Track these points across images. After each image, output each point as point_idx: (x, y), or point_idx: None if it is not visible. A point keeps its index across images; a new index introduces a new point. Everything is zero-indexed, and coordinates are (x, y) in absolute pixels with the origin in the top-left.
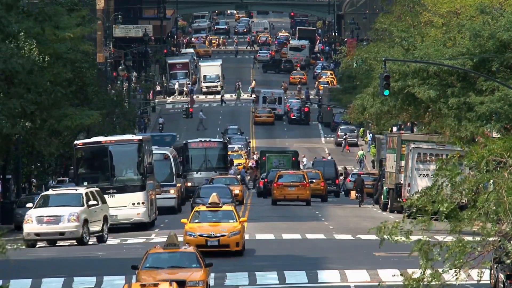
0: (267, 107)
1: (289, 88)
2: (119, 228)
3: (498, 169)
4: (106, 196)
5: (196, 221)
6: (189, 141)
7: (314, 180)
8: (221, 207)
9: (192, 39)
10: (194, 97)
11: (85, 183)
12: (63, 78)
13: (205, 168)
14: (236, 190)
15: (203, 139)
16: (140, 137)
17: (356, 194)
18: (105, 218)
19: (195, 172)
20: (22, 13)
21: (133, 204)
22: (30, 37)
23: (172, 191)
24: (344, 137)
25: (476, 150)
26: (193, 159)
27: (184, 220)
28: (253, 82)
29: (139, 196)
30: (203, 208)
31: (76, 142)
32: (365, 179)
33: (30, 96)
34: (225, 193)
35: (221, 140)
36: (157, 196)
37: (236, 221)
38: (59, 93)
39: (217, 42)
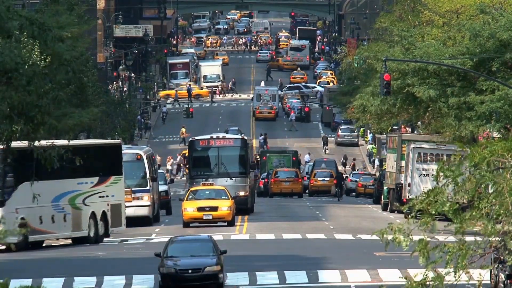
0: (261, 104)
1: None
2: None
3: (500, 170)
4: None
5: None
6: (196, 138)
7: (327, 179)
8: None
9: (192, 39)
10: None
11: None
12: (62, 77)
13: (217, 173)
14: (224, 206)
15: (215, 135)
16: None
17: (336, 190)
18: None
19: (203, 179)
20: (26, 21)
21: None
22: (31, 38)
23: (145, 197)
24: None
25: (477, 151)
26: (201, 161)
27: None
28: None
29: None
30: None
31: None
32: (367, 180)
33: (31, 98)
34: (206, 250)
35: (239, 136)
36: (128, 204)
37: None
38: (62, 99)
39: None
